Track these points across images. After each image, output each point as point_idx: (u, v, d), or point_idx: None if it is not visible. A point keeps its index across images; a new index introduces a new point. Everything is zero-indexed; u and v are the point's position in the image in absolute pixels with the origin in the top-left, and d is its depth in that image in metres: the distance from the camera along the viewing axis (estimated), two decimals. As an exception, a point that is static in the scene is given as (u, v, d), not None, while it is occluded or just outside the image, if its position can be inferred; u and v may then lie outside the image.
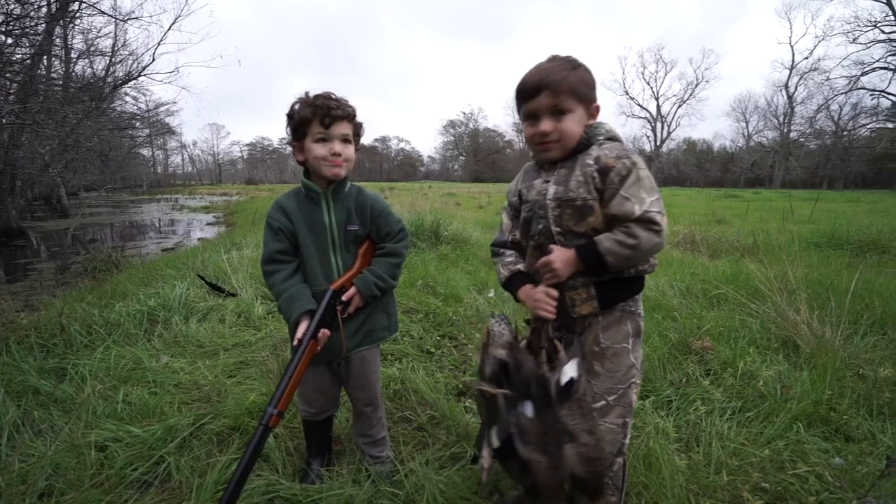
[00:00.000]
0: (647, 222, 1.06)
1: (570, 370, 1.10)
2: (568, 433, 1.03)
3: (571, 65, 1.16)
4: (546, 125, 1.16)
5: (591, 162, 1.15)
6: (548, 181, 1.22)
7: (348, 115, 1.37)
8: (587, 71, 1.19)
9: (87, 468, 1.57)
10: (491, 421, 1.13)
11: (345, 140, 1.38)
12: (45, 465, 1.58)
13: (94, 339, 2.70)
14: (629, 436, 1.27)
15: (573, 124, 1.16)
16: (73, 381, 2.20)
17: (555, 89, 1.13)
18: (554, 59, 1.19)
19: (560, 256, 1.15)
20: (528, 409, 1.06)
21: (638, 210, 1.07)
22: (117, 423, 1.81)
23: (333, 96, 1.37)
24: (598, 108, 1.21)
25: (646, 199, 1.07)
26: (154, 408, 1.95)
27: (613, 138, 1.20)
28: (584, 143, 1.19)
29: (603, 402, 1.20)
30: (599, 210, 1.14)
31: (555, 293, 1.18)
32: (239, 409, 1.90)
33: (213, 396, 2.08)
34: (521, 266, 1.34)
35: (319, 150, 1.35)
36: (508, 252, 1.38)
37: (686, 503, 1.38)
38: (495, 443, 1.10)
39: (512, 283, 1.32)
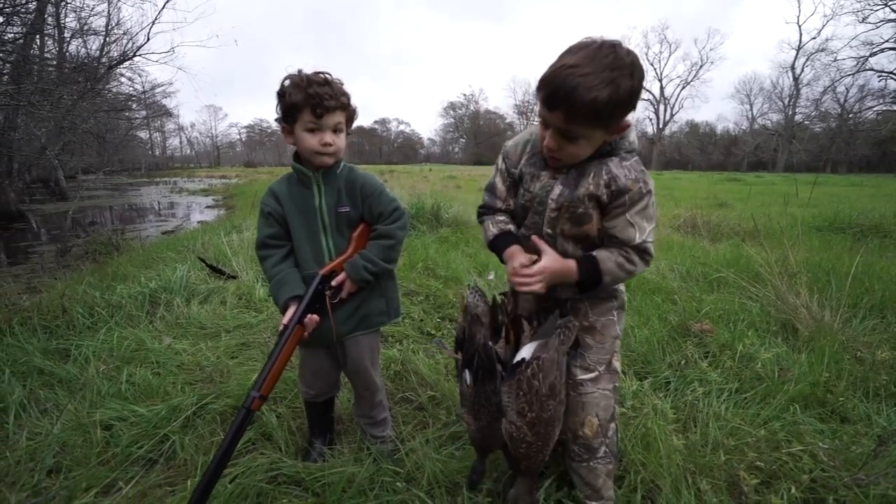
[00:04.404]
0: (643, 252, 1.12)
1: (524, 351, 1.15)
2: (501, 409, 1.12)
3: (611, 76, 0.91)
4: (552, 142, 1.06)
5: (606, 177, 1.09)
6: (555, 178, 1.15)
7: (342, 105, 1.32)
8: (628, 82, 0.93)
9: (94, 446, 1.60)
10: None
11: (336, 130, 1.33)
12: (51, 443, 1.61)
13: (96, 320, 2.72)
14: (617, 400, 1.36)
15: (582, 150, 1.06)
16: (77, 362, 2.23)
17: (569, 115, 0.95)
18: (594, 56, 0.92)
19: (554, 267, 1.10)
20: (467, 377, 1.17)
21: (638, 238, 1.10)
22: (122, 403, 1.84)
23: (328, 80, 1.30)
24: (627, 125, 1.06)
25: (646, 228, 1.10)
26: (158, 388, 1.97)
27: (633, 150, 1.13)
28: (604, 151, 1.10)
29: (595, 373, 1.26)
30: (597, 219, 1.13)
31: (530, 267, 1.11)
32: (241, 389, 1.92)
33: (216, 377, 2.10)
34: (511, 227, 1.27)
35: (310, 140, 1.31)
36: (500, 215, 1.30)
37: (683, 482, 1.41)
38: None
39: (499, 242, 1.24)
